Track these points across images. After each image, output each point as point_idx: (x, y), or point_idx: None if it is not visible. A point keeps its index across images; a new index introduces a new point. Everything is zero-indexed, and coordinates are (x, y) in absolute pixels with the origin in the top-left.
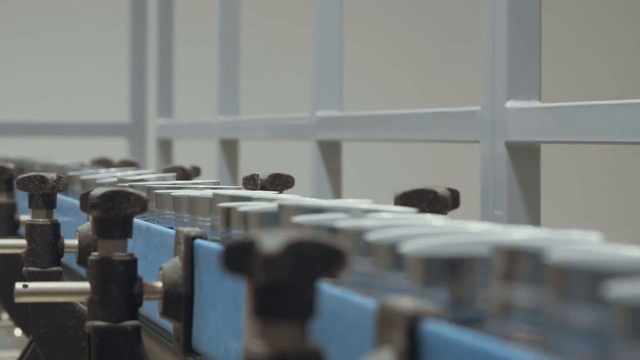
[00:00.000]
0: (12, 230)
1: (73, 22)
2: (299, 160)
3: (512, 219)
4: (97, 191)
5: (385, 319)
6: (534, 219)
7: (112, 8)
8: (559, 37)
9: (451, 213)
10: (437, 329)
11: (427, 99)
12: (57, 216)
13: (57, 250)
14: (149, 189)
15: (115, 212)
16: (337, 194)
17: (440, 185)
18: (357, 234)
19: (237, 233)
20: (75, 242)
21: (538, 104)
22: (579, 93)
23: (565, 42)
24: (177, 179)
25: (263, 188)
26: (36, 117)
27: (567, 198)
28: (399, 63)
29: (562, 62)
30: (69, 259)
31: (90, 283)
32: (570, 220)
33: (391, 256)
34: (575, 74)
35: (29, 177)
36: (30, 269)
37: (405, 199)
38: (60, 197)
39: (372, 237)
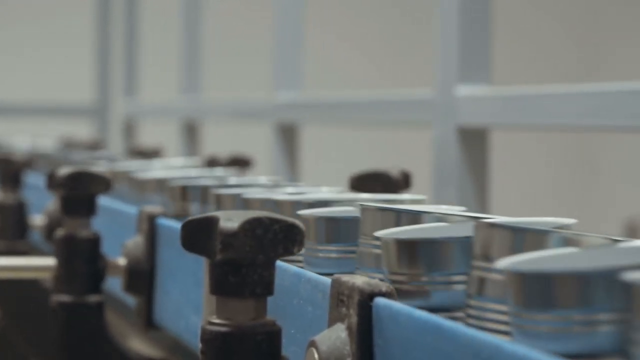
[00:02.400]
0: None
1: (38, 2)
2: (260, 141)
3: (462, 201)
4: (64, 171)
5: (340, 295)
6: (483, 202)
7: None
8: (512, 19)
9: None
10: (390, 305)
11: (386, 80)
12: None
13: (24, 227)
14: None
15: (81, 191)
16: (295, 176)
17: (393, 167)
18: None
19: None
20: (44, 219)
21: (488, 88)
22: (537, 75)
23: (519, 24)
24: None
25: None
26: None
27: (517, 182)
28: (358, 45)
29: (516, 45)
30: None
31: (56, 259)
32: (519, 204)
33: None
34: (530, 56)
35: None
36: None
37: (360, 180)
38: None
39: None
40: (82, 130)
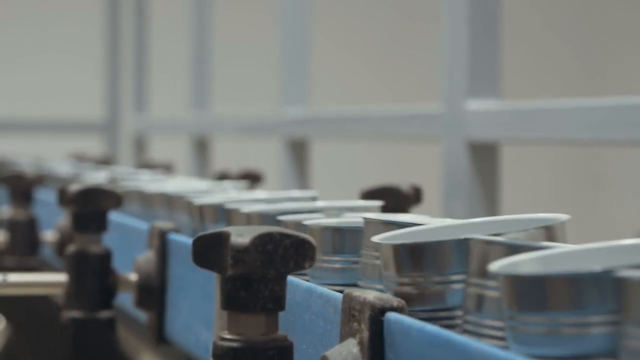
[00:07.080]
0: None
1: (47, 18)
2: (270, 156)
3: (472, 215)
4: (75, 187)
5: (352, 310)
6: (493, 216)
7: (86, 7)
8: (523, 32)
9: (415, 209)
10: (401, 320)
11: (395, 94)
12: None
13: (35, 243)
14: None
15: (91, 207)
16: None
17: (404, 182)
18: None
19: None
20: (56, 235)
21: (498, 102)
22: (544, 88)
23: (528, 36)
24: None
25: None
26: (11, 114)
27: (528, 195)
28: (366, 59)
29: (526, 58)
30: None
31: (67, 275)
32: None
33: None
34: (537, 69)
35: (9, 176)
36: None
37: (371, 195)
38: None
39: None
40: (92, 146)
